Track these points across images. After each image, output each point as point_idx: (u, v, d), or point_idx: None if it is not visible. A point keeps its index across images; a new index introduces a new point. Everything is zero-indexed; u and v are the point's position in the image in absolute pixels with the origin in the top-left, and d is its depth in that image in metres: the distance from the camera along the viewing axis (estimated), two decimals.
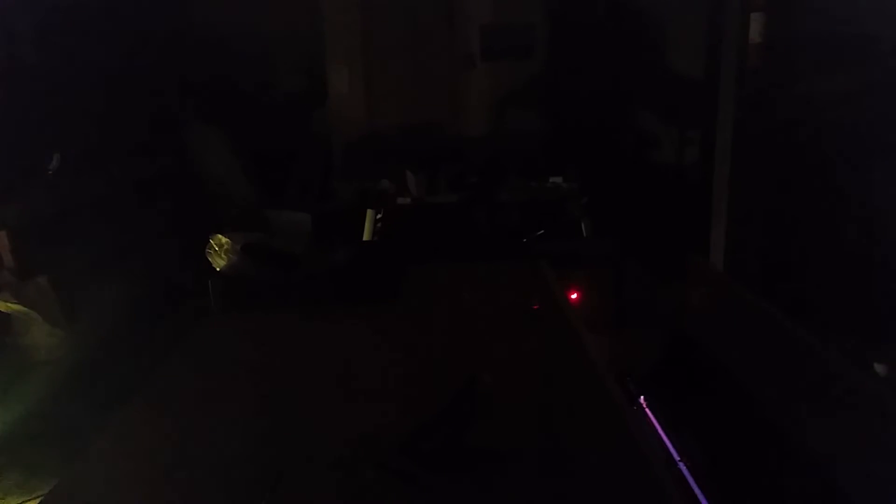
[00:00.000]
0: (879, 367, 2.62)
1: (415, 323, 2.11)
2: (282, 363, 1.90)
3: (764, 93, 3.25)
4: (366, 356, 1.92)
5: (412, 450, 1.51)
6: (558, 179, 3.83)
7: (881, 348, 2.60)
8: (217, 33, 3.93)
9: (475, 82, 4.24)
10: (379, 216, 3.53)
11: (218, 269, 2.34)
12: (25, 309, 2.28)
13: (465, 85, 4.25)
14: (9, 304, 2.29)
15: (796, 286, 2.89)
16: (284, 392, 1.73)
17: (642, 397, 1.76)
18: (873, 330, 2.66)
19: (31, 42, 2.82)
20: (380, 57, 4.16)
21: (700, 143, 3.90)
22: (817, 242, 3.01)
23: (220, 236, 2.32)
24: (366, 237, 3.41)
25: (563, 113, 4.19)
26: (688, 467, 1.57)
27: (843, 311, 2.75)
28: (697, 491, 1.53)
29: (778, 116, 3.24)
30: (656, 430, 1.68)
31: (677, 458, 1.57)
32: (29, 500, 1.94)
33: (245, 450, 1.46)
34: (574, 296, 2.49)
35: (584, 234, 3.54)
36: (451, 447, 1.52)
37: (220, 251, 2.32)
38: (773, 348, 1.84)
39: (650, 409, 1.73)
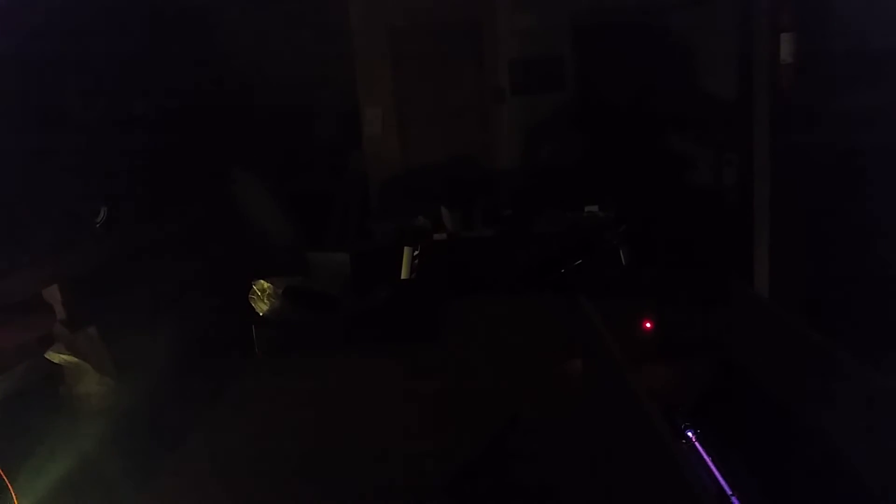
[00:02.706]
0: None
1: (456, 361, 2.11)
2: (325, 405, 1.92)
3: (799, 112, 3.21)
4: (408, 395, 1.93)
5: (456, 490, 1.50)
6: (594, 208, 3.81)
7: None
8: (254, 80, 4.06)
9: (506, 116, 4.29)
10: (416, 253, 3.55)
11: (261, 314, 2.39)
12: (77, 360, 2.35)
13: (496, 119, 4.30)
14: (62, 356, 2.36)
15: (841, 308, 2.81)
16: (329, 433, 1.74)
17: (691, 431, 1.72)
18: None
19: (78, 97, 2.94)
20: (411, 96, 4.25)
21: (738, 166, 3.85)
22: (861, 261, 2.93)
23: (261, 281, 2.38)
24: (404, 275, 3.44)
25: (596, 141, 4.20)
26: (741, 501, 1.53)
27: (889, 332, 2.66)
28: None
29: (815, 135, 3.19)
30: (707, 465, 1.64)
31: (729, 492, 1.53)
32: None
33: (291, 488, 1.47)
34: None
35: (623, 262, 3.50)
36: (494, 487, 1.51)
37: (262, 296, 2.38)
38: (821, 375, 1.79)
39: (700, 443, 1.69)
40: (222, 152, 3.78)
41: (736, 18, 3.87)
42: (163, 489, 1.63)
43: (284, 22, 4.15)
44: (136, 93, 3.29)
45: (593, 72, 4.19)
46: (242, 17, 4.09)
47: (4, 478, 1.67)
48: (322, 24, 4.16)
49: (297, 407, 1.98)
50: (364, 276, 3.22)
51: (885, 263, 2.84)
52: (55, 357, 2.38)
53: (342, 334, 2.39)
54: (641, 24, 4.09)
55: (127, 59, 3.17)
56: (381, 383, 2.07)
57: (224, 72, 4.01)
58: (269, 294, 2.37)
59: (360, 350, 2.30)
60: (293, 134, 4.11)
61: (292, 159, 4.05)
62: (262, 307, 2.38)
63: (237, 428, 1.90)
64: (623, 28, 4.12)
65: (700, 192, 4.08)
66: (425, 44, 4.21)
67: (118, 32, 3.08)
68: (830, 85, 3.14)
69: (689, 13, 4.00)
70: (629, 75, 4.06)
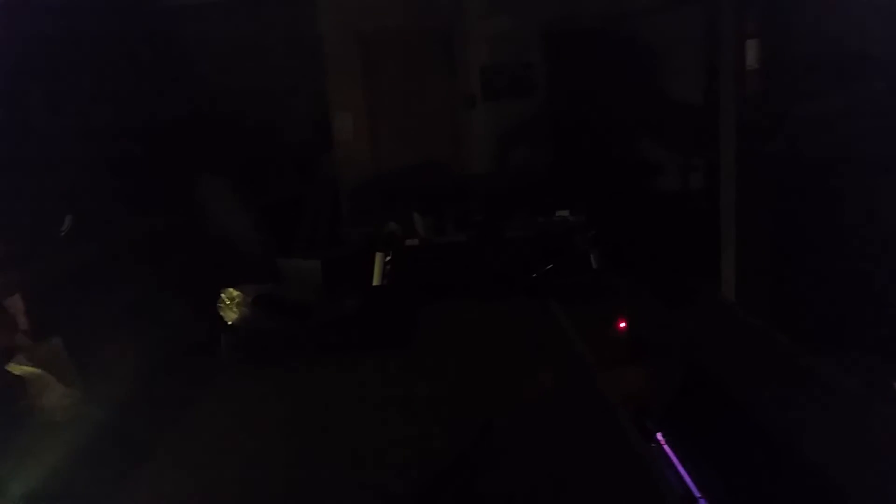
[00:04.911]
0: None
1: (427, 367, 2.11)
2: (296, 411, 1.90)
3: (764, 116, 3.27)
4: (380, 401, 1.92)
5: (428, 495, 1.50)
6: (565, 213, 3.84)
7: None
8: (224, 87, 4.01)
9: (477, 122, 4.30)
10: (388, 259, 3.54)
11: (230, 323, 2.36)
12: (40, 371, 2.30)
13: (467, 125, 4.32)
14: (23, 367, 2.30)
15: (807, 310, 2.86)
16: (299, 439, 1.73)
17: (660, 434, 1.74)
18: (889, 350, 2.61)
19: (42, 107, 2.88)
20: (382, 102, 4.24)
21: (705, 171, 3.91)
22: (826, 264, 2.99)
23: (231, 290, 2.35)
24: (376, 281, 3.42)
25: (566, 146, 4.23)
26: (709, 503, 1.54)
27: (856, 332, 2.71)
28: None
29: (779, 140, 3.25)
30: (675, 467, 1.65)
31: (697, 494, 1.55)
32: None
33: (262, 493, 1.46)
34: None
35: (594, 266, 3.53)
36: (466, 492, 1.51)
37: (231, 304, 2.34)
38: (788, 377, 1.82)
39: (669, 445, 1.70)
40: (191, 160, 3.73)
41: (703, 25, 3.94)
42: (130, 499, 1.59)
43: (254, 29, 4.12)
44: (102, 102, 3.24)
45: (564, 78, 4.23)
46: (212, 25, 4.05)
47: None
48: (292, 30, 4.13)
49: (267, 414, 1.95)
50: (336, 283, 3.20)
51: (849, 266, 2.90)
52: (17, 369, 2.32)
53: (314, 341, 2.37)
54: (611, 31, 4.13)
55: (93, 69, 3.12)
56: (352, 389, 2.05)
57: (193, 79, 3.96)
58: (238, 302, 2.34)
59: (331, 357, 2.29)
60: (263, 141, 4.07)
61: (262, 166, 4.01)
62: (231, 316, 2.35)
63: (206, 435, 1.87)
64: (593, 35, 4.16)
65: (668, 197, 4.13)
66: (396, 50, 4.21)
67: (84, 41, 3.03)
68: (795, 90, 3.21)
69: (658, 20, 4.06)
70: (599, 81, 4.10)
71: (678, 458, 1.65)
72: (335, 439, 1.76)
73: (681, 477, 1.58)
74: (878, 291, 2.74)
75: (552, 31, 4.20)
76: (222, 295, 2.38)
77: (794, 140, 3.21)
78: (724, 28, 3.40)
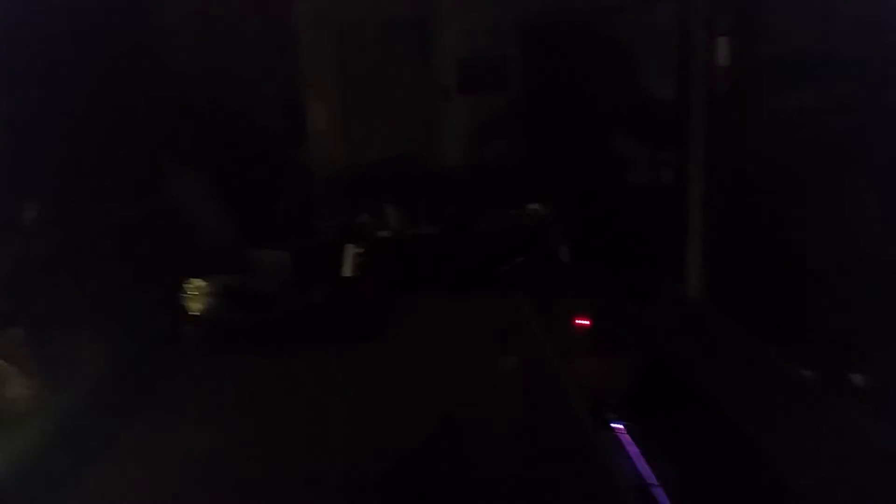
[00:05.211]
0: (857, 378, 2.64)
1: (393, 359, 2.11)
2: (259, 405, 1.89)
3: (734, 114, 3.32)
4: (344, 394, 1.92)
5: (390, 488, 1.51)
6: (536, 206, 3.86)
7: (855, 361, 2.61)
8: (193, 73, 3.96)
9: (451, 114, 4.30)
10: (359, 251, 3.53)
11: (195, 314, 2.34)
12: (0, 362, 2.26)
13: (441, 117, 4.31)
14: None
15: (769, 304, 2.91)
16: (262, 433, 1.72)
17: (619, 423, 1.76)
18: (851, 344, 2.68)
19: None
20: (356, 94, 4.22)
21: (675, 166, 3.95)
22: (792, 259, 3.05)
23: (195, 280, 2.33)
24: (346, 273, 3.41)
25: (540, 140, 4.25)
26: (665, 491, 1.57)
27: (816, 326, 2.77)
28: None
29: (748, 138, 3.30)
30: (633, 456, 1.68)
31: (653, 482, 1.58)
32: None
33: (224, 486, 1.45)
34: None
35: (564, 259, 3.56)
36: (427, 483, 1.52)
37: (196, 295, 2.33)
38: (748, 370, 1.85)
39: (627, 435, 1.73)
40: (159, 149, 3.68)
41: (675, 21, 3.97)
42: (89, 493, 1.58)
43: (226, 13, 4.06)
44: (65, 86, 3.17)
45: (538, 71, 4.24)
46: (182, 11, 3.99)
47: None
48: (265, 16, 4.08)
49: (232, 406, 1.94)
50: (306, 274, 3.18)
51: (814, 263, 2.95)
52: None
53: (280, 333, 2.36)
54: (585, 26, 4.15)
55: (54, 50, 3.05)
56: (318, 380, 2.05)
57: (162, 63, 3.90)
58: (203, 293, 2.33)
59: (298, 348, 2.28)
60: (233, 128, 4.03)
61: (232, 154, 3.97)
62: (196, 307, 2.33)
63: (168, 427, 1.86)
64: (567, 28, 4.18)
65: (639, 192, 4.17)
66: (371, 39, 4.19)
67: (43, 21, 2.96)
68: (765, 88, 3.26)
69: (632, 16, 4.09)
70: (573, 76, 4.12)
71: (637, 447, 1.68)
72: (300, 430, 1.76)
73: (637, 466, 1.61)
74: (837, 285, 2.81)
75: (528, 24, 4.21)
76: (186, 285, 2.36)
77: (762, 137, 3.26)
78: (695, 25, 3.44)
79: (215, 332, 2.30)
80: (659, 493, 1.54)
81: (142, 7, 3.82)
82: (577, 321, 2.46)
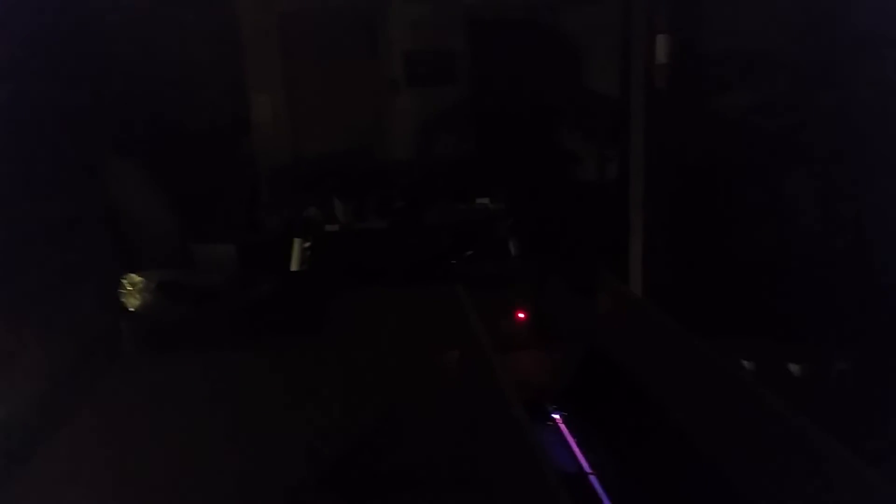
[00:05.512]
0: (793, 368, 2.75)
1: (335, 354, 2.11)
2: (197, 403, 1.87)
3: (673, 111, 3.40)
4: (285, 389, 1.91)
5: (328, 481, 1.51)
6: (485, 200, 3.89)
7: (793, 352, 2.72)
8: (132, 62, 3.85)
9: (400, 107, 4.29)
10: (307, 245, 3.51)
11: (132, 310, 2.29)
12: None
13: (390, 110, 4.30)
14: None
15: (711, 299, 3.00)
16: (200, 431, 1.70)
17: (557, 414, 1.81)
18: (788, 335, 2.78)
19: None
20: (303, 84, 4.17)
21: (618, 162, 4.04)
22: (728, 256, 3.15)
23: (132, 275, 2.28)
24: (293, 267, 3.39)
25: (488, 134, 4.28)
26: (599, 479, 1.62)
27: (757, 319, 2.87)
28: (607, 503, 1.58)
29: (687, 134, 3.38)
30: (570, 445, 1.72)
31: (588, 470, 1.62)
32: None
33: (159, 483, 1.44)
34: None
35: (513, 253, 3.61)
36: (365, 478, 1.53)
37: (133, 290, 2.28)
38: (683, 363, 1.91)
39: (565, 425, 1.77)
40: (99, 141, 3.57)
41: (619, 19, 4.04)
42: (21, 493, 1.54)
43: (168, 6, 3.96)
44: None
45: (486, 66, 4.26)
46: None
47: None
48: (208, 8, 4.00)
49: (168, 403, 1.91)
50: (252, 269, 3.15)
51: (752, 257, 3.05)
52: None
53: (222, 328, 2.33)
54: (531, 21, 4.19)
55: None
56: (259, 375, 2.04)
57: (99, 53, 3.78)
58: (141, 288, 2.28)
59: (241, 343, 2.25)
60: (174, 120, 3.94)
61: (173, 147, 3.88)
62: (133, 302, 2.28)
63: (106, 427, 1.82)
64: (514, 24, 4.21)
65: (585, 187, 4.24)
66: (317, 32, 4.14)
67: None
68: (703, 85, 3.34)
69: (576, 12, 4.14)
70: (520, 71, 4.15)
71: (573, 436, 1.72)
72: (239, 425, 1.74)
73: (574, 455, 1.66)
74: (775, 278, 2.91)
75: (475, 18, 4.23)
76: (124, 281, 2.31)
77: (701, 134, 3.35)
78: (635, 22, 3.51)
79: (152, 329, 2.26)
80: (594, 481, 1.59)
81: None
82: (520, 314, 2.50)
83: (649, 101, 3.38)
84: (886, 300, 2.54)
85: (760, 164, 3.18)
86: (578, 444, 1.70)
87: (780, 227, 3.12)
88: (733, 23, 3.30)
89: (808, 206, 3.10)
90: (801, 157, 3.09)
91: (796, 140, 3.06)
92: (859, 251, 2.75)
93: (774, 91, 3.19)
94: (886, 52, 2.69)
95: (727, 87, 3.33)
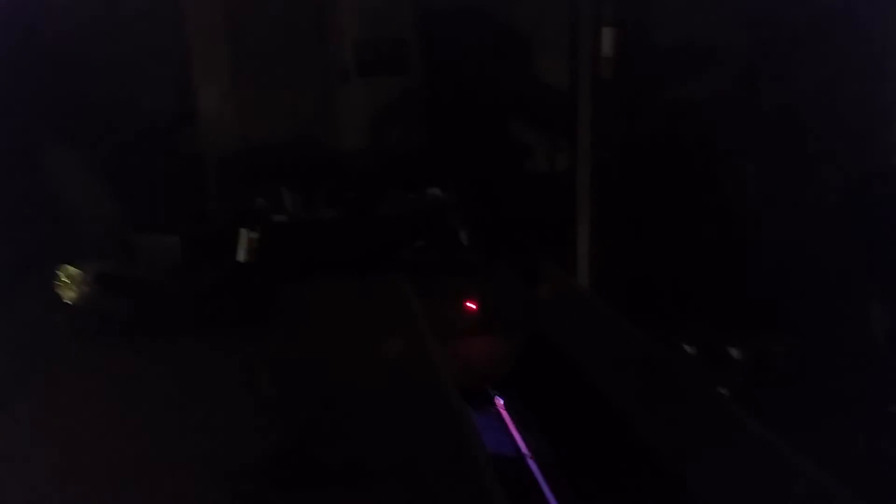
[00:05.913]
0: (734, 352, 2.84)
1: (280, 343, 2.10)
2: (135, 395, 1.84)
3: (619, 103, 3.45)
4: (226, 380, 1.90)
5: (266, 473, 1.52)
6: (436, 191, 3.90)
7: (733, 337, 2.81)
8: (73, 48, 3.73)
9: (350, 97, 4.25)
10: (254, 236, 3.46)
11: (69, 302, 2.23)
12: None
13: (340, 100, 4.26)
14: None
15: (655, 288, 3.07)
16: (137, 421, 1.69)
17: (499, 399, 1.83)
18: (730, 321, 2.86)
19: None
20: (251, 73, 4.10)
21: (566, 153, 4.08)
22: (673, 241, 3.22)
23: (68, 267, 2.22)
24: (240, 258, 3.34)
25: (439, 125, 4.27)
26: (537, 462, 1.65)
27: (700, 306, 2.95)
28: (543, 484, 1.62)
29: (633, 125, 3.44)
30: (509, 429, 1.75)
31: (526, 453, 1.65)
32: None
33: (102, 474, 1.42)
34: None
35: (464, 244, 3.62)
36: (304, 466, 1.54)
37: (70, 283, 2.22)
38: (621, 350, 1.96)
39: (506, 410, 1.80)
40: (38, 129, 3.46)
41: (567, 11, 4.08)
42: None
43: None
44: None
45: (437, 56, 4.25)
46: None
47: None
48: None
49: (110, 393, 1.88)
50: (196, 260, 3.10)
51: (694, 253, 3.13)
52: None
53: (163, 320, 2.29)
54: (481, 12, 4.20)
55: None
56: (200, 367, 2.02)
57: (38, 38, 3.66)
58: (78, 281, 2.22)
59: (182, 335, 2.23)
60: (117, 107, 3.83)
61: (115, 135, 3.78)
62: (69, 295, 2.23)
63: (44, 418, 1.78)
64: (465, 13, 4.21)
65: (535, 178, 4.28)
66: (265, 19, 4.07)
67: None
68: (648, 78, 3.40)
69: (526, 4, 4.16)
70: (471, 62, 4.16)
71: (512, 420, 1.75)
72: (179, 418, 1.73)
73: (514, 438, 1.69)
74: (718, 268, 2.99)
75: (425, 8, 4.21)
76: (59, 272, 2.25)
77: (645, 127, 3.42)
78: (583, 15, 3.55)
79: (90, 322, 2.21)
80: (531, 464, 1.62)
81: None
82: (468, 303, 2.53)
83: (595, 92, 3.43)
84: (823, 286, 2.64)
85: (704, 155, 3.26)
86: (517, 428, 1.73)
87: (723, 216, 3.21)
88: (678, 16, 3.37)
89: (751, 195, 3.20)
90: (744, 148, 3.18)
91: (740, 131, 3.14)
92: (799, 239, 2.84)
93: (718, 83, 3.27)
94: (829, 44, 2.77)
95: (672, 79, 3.39)
